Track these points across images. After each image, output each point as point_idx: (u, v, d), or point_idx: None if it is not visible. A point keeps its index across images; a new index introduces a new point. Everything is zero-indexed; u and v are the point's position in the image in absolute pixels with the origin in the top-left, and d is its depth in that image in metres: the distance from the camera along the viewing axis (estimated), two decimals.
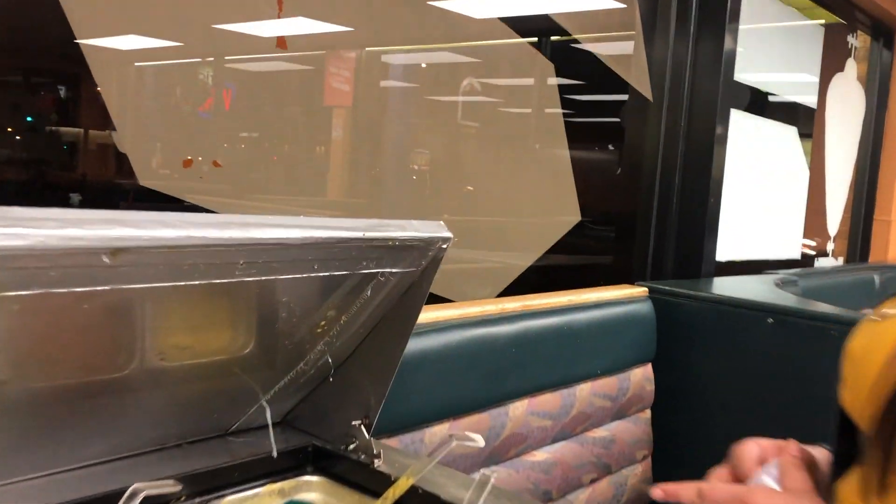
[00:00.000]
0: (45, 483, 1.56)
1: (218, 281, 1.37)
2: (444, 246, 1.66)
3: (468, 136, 3.57)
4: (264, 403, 1.85)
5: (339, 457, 1.86)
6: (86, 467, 1.64)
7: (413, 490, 1.70)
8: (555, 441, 3.10)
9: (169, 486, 1.40)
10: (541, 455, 2.99)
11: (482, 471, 1.86)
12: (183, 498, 1.66)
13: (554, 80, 3.74)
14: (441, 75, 3.47)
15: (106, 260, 1.13)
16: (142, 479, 1.63)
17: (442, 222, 1.66)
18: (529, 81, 3.81)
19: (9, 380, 1.37)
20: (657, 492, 1.04)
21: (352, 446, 1.85)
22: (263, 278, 1.43)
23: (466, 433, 1.67)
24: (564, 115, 3.82)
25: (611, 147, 4.58)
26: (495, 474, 1.59)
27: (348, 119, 3.07)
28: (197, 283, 1.34)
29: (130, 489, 1.34)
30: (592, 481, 3.24)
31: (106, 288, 1.24)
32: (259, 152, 2.87)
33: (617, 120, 4.36)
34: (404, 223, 1.57)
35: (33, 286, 1.14)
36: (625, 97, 4.07)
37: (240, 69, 2.77)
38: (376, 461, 1.81)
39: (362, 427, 1.84)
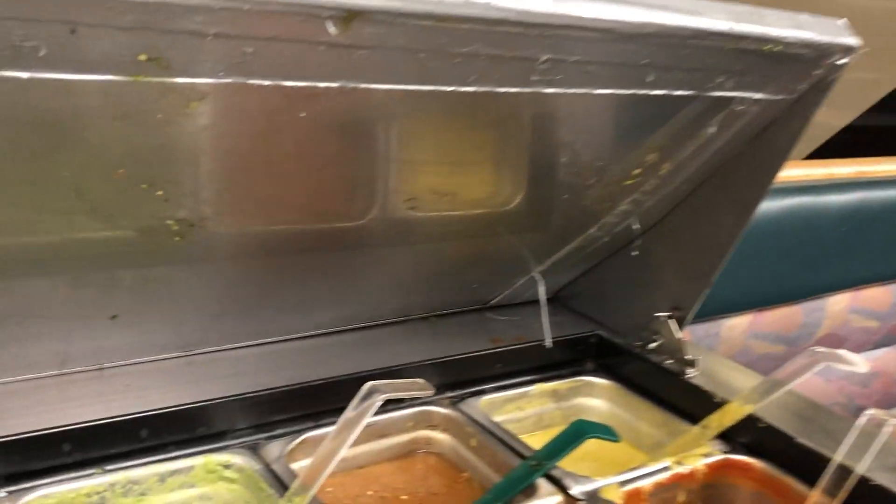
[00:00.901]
0: (265, 353, 1.22)
1: (499, 90, 0.87)
2: (841, 61, 1.04)
3: None
4: (536, 276, 1.39)
5: (635, 356, 1.36)
6: (313, 337, 1.28)
7: (750, 422, 1.18)
8: (878, 347, 2.44)
9: (415, 388, 0.99)
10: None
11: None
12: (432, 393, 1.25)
13: None
14: None
15: (331, 29, 0.66)
16: (380, 356, 1.25)
17: (845, 20, 1.03)
18: None
19: (224, 228, 0.99)
20: None
21: (653, 345, 1.35)
22: (566, 91, 0.91)
23: (840, 352, 1.09)
24: None
25: None
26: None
27: None
28: (468, 89, 0.85)
29: (365, 388, 0.93)
30: None
31: (332, 85, 0.78)
32: None
33: None
34: (791, 16, 0.96)
35: (225, 71, 0.70)
36: None
37: None
38: (689, 370, 1.29)
39: (671, 322, 1.32)
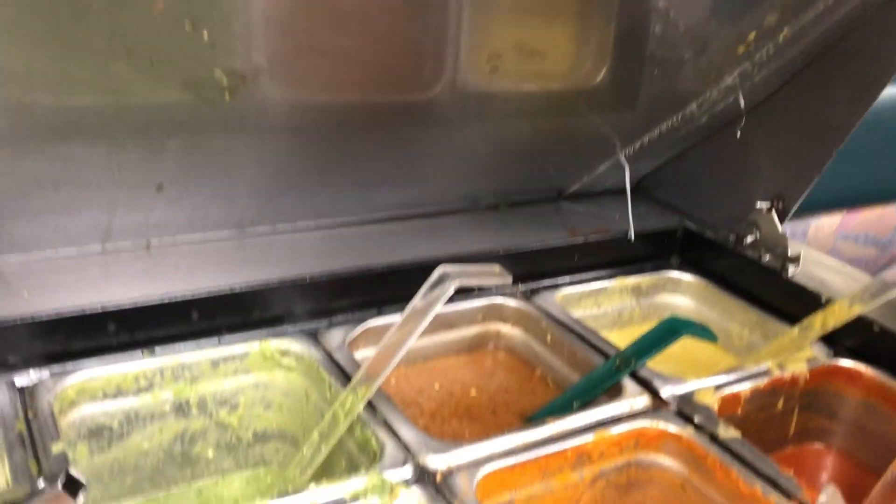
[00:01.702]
0: (325, 237, 1.12)
1: None
2: None
3: None
4: (622, 160, 1.25)
5: (727, 251, 1.23)
6: (375, 222, 1.18)
7: (860, 325, 1.05)
8: None
9: (493, 275, 0.88)
10: None
11: None
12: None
13: None
14: None
15: None
16: (447, 244, 1.15)
17: None
18: None
19: (279, 90, 0.87)
20: None
21: (749, 238, 1.21)
22: None
23: None
24: None
25: None
26: None
27: None
28: None
29: (438, 272, 0.83)
30: None
31: None
32: None
33: None
34: None
35: None
36: None
37: None
38: (791, 267, 1.16)
39: (771, 213, 1.18)
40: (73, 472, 0.60)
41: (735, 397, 0.97)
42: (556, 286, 1.19)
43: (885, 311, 1.09)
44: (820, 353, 1.06)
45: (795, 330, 1.06)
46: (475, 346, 1.14)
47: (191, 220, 1.00)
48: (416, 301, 0.85)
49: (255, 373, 0.95)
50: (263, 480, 0.97)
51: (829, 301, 1.09)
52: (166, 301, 0.91)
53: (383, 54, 0.91)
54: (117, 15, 0.68)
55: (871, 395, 1.04)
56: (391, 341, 0.85)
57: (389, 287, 1.05)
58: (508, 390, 1.07)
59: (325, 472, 0.88)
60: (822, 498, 0.59)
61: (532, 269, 1.19)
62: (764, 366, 1.02)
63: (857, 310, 1.02)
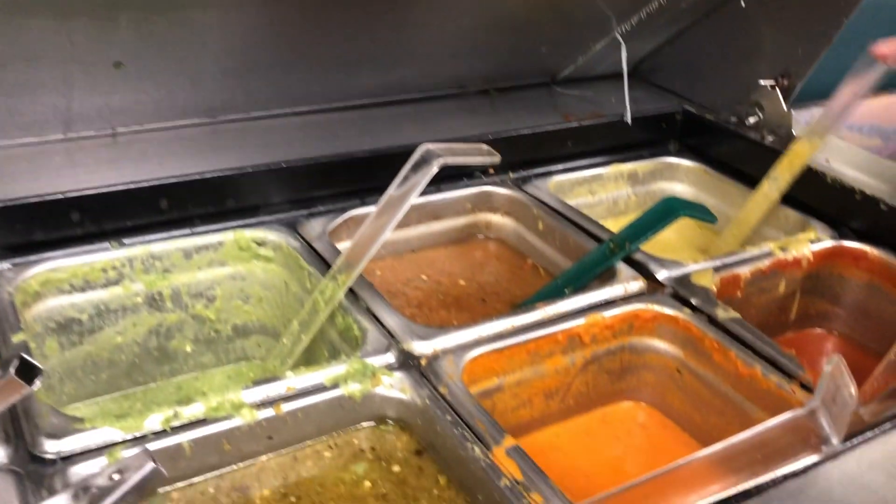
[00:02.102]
0: (304, 123, 1.06)
1: None
2: None
3: None
4: (618, 37, 1.17)
5: (729, 133, 1.17)
6: (358, 108, 1.11)
7: (867, 204, 1.00)
8: None
9: (480, 154, 0.82)
10: None
11: None
12: (492, 171, 1.09)
13: None
14: None
15: None
16: (434, 130, 1.08)
17: None
18: None
19: None
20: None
21: (752, 119, 1.15)
22: None
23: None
24: None
25: None
26: None
27: None
28: None
29: (420, 150, 0.77)
30: None
31: None
32: None
33: None
34: None
35: None
36: None
37: None
38: None
39: (776, 90, 1.12)
40: (28, 357, 0.56)
41: (735, 279, 0.93)
42: (549, 173, 1.14)
43: (892, 189, 1.04)
44: (826, 235, 1.02)
45: (764, 182, 1.02)
46: (465, 237, 1.09)
47: (157, 105, 0.94)
48: (398, 182, 0.79)
49: (230, 264, 0.91)
50: (245, 375, 0.94)
51: (836, 180, 1.04)
52: (133, 188, 0.86)
53: None
54: None
55: (875, 277, 1.00)
56: (372, 226, 0.80)
57: (373, 175, 0.99)
58: (498, 280, 1.03)
59: (308, 361, 0.84)
60: (827, 368, 0.55)
61: (524, 155, 1.13)
62: (766, 248, 0.97)
63: (818, 143, 0.97)
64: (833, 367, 0.56)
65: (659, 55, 1.30)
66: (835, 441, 0.51)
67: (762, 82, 1.12)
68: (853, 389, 0.58)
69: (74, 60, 0.81)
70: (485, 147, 0.85)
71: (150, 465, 0.51)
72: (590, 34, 1.18)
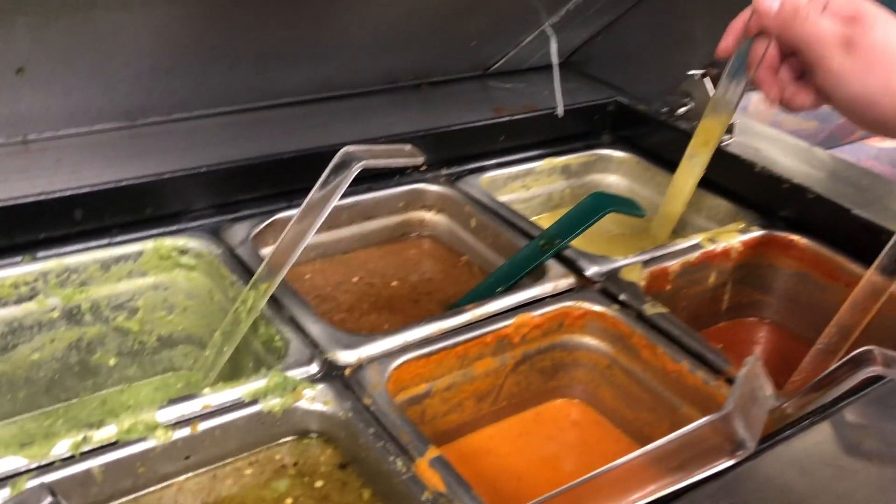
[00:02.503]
0: (227, 124, 1.03)
1: None
2: None
3: None
4: (548, 30, 1.16)
5: (660, 124, 1.18)
6: (284, 106, 1.09)
7: (795, 193, 1.01)
8: None
9: (403, 155, 0.81)
10: None
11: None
12: (424, 167, 1.08)
13: None
14: None
15: None
16: (363, 127, 1.07)
17: None
18: None
19: None
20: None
21: (682, 110, 1.15)
22: None
23: None
24: None
25: None
26: None
27: None
28: None
29: (340, 154, 0.75)
30: None
31: None
32: None
33: None
34: None
35: None
36: None
37: None
38: (725, 137, 1.11)
39: (705, 80, 1.12)
40: None
41: (663, 272, 0.93)
42: (482, 169, 1.12)
43: (822, 181, 1.05)
44: (755, 224, 1.03)
45: (684, 162, 1.01)
46: (397, 236, 1.08)
47: (69, 110, 0.90)
48: (318, 187, 0.77)
49: (152, 274, 0.88)
50: (173, 386, 0.91)
51: (763, 168, 1.05)
52: (44, 199, 0.83)
53: None
54: None
55: (805, 265, 1.01)
56: (292, 232, 0.78)
57: (299, 176, 0.96)
58: (432, 279, 1.02)
59: (233, 373, 0.82)
60: (742, 371, 0.55)
61: (456, 151, 1.12)
62: (695, 240, 0.98)
63: (728, 116, 0.94)
64: (748, 369, 0.56)
65: (591, 46, 1.30)
66: (750, 444, 0.51)
67: (691, 72, 1.12)
68: (769, 390, 0.58)
69: None
70: (408, 147, 0.83)
71: (48, 500, 0.49)
72: (519, 26, 1.17)
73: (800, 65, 0.77)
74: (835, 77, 0.69)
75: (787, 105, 0.79)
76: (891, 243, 0.86)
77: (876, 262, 0.87)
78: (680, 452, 0.54)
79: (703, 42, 1.15)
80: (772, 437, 0.67)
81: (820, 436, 0.67)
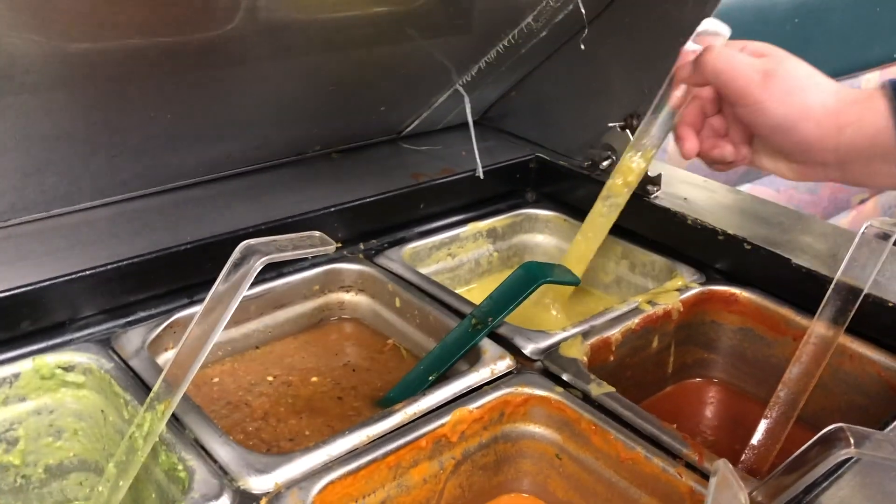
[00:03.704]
0: (115, 216, 0.93)
1: None
2: None
3: None
4: (460, 88, 1.11)
5: (583, 178, 1.13)
6: (180, 189, 0.99)
7: (731, 244, 0.97)
8: None
9: (311, 245, 0.72)
10: None
11: None
12: (339, 245, 1.00)
13: None
14: None
15: None
16: (271, 207, 0.98)
17: None
18: None
19: (24, 41, 0.67)
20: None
21: (605, 164, 1.10)
22: None
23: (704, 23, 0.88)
24: None
25: None
26: None
27: None
28: None
29: (239, 250, 0.66)
30: (862, 202, 2.45)
31: None
32: None
33: None
34: None
35: None
36: None
37: None
38: (653, 189, 1.07)
39: (626, 132, 1.08)
40: None
41: (605, 343, 0.86)
42: (403, 240, 1.05)
43: (755, 228, 1.01)
44: (694, 281, 0.98)
45: (598, 204, 0.95)
46: (315, 322, 0.99)
47: None
48: (217, 286, 0.68)
49: (32, 397, 0.77)
50: None
51: (693, 219, 1.00)
52: None
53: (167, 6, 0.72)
54: None
55: (748, 319, 0.96)
56: (192, 338, 0.68)
57: (200, 269, 0.88)
58: (357, 369, 0.93)
59: None
60: (712, 479, 0.48)
61: (373, 224, 1.04)
62: (633, 303, 0.92)
63: (650, 154, 0.90)
64: (719, 476, 0.49)
65: (507, 101, 1.24)
66: None
67: (611, 124, 1.08)
68: (744, 497, 0.51)
69: None
70: (317, 234, 0.75)
71: None
72: (430, 87, 1.11)
73: (721, 123, 0.77)
74: (758, 105, 0.71)
75: (706, 155, 0.79)
76: (829, 291, 0.83)
77: (818, 313, 0.83)
78: None
79: (621, 93, 1.11)
80: None
81: None
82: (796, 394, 0.84)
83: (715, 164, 0.80)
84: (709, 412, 0.99)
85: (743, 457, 0.83)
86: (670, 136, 0.87)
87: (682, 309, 0.94)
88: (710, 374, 1.00)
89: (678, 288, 0.96)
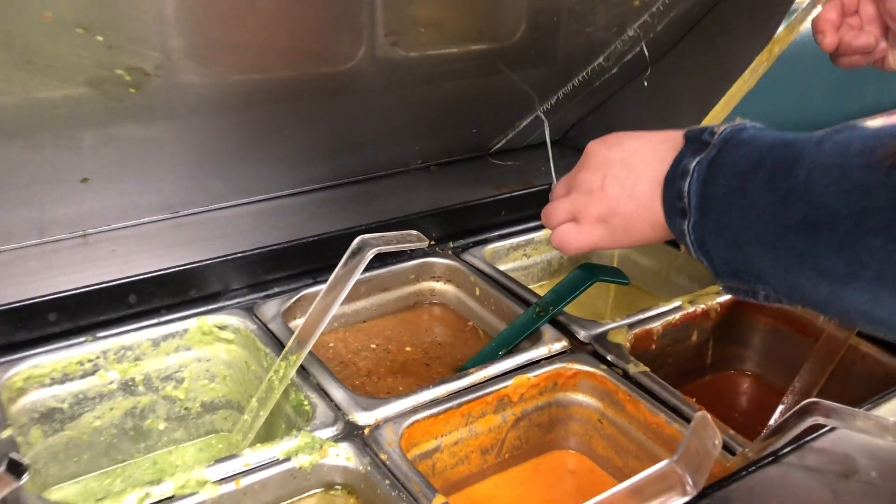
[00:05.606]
0: (257, 212, 1.17)
1: None
2: None
3: None
4: (541, 115, 1.30)
5: None
6: (306, 193, 1.23)
7: None
8: None
9: (409, 240, 0.93)
10: None
11: None
12: (433, 243, 1.21)
13: None
14: None
15: None
16: (378, 209, 1.20)
17: None
18: None
19: (188, 77, 0.91)
20: None
21: None
22: None
23: None
24: None
25: None
26: None
27: None
28: None
29: (356, 242, 0.88)
30: None
31: None
32: None
33: None
34: None
35: None
36: None
37: None
38: None
39: None
40: (15, 455, 0.66)
41: (647, 334, 1.04)
42: (486, 241, 1.25)
43: None
44: None
45: (747, 72, 1.00)
46: (410, 305, 1.20)
47: (122, 208, 1.04)
48: (338, 269, 0.90)
49: (195, 348, 1.01)
50: (214, 447, 1.03)
51: None
52: (103, 287, 0.96)
53: (293, 40, 0.95)
54: (10, 27, 0.71)
55: (778, 321, 1.12)
56: (317, 309, 0.90)
57: (321, 256, 1.10)
58: (442, 344, 1.13)
59: (268, 434, 0.94)
60: (691, 424, 0.66)
61: (461, 226, 1.25)
62: (676, 302, 1.09)
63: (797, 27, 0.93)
64: (696, 423, 0.66)
65: (584, 124, 1.43)
66: (693, 490, 0.61)
67: None
68: (718, 440, 0.68)
69: (45, 181, 0.92)
70: (415, 233, 0.96)
71: None
72: (515, 112, 1.31)
73: (857, 21, 0.80)
74: None
75: (847, 46, 0.80)
76: None
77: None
78: (647, 488, 0.65)
79: (689, 112, 1.27)
80: (735, 475, 0.77)
81: (770, 475, 0.78)
82: (810, 384, 0.99)
83: (852, 57, 0.81)
84: (742, 400, 1.15)
85: (762, 435, 0.99)
86: None
87: (719, 310, 1.11)
88: (744, 367, 1.16)
89: (718, 292, 1.12)
